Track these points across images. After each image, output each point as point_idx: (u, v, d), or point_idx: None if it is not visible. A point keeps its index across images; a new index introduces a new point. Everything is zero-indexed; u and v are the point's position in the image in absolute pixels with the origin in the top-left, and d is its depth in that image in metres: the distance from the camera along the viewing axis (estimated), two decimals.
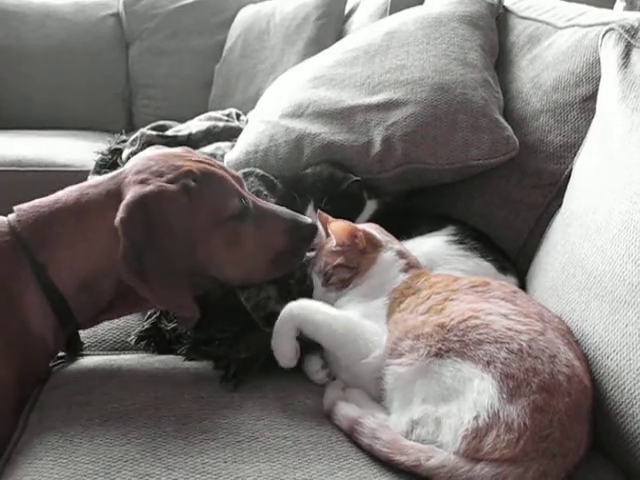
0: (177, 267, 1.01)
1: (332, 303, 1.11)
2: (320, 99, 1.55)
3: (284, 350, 1.04)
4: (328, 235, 1.18)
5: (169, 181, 1.04)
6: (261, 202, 1.15)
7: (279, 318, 1.04)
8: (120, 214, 0.99)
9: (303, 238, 1.15)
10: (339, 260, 1.13)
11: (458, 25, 1.56)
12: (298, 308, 1.05)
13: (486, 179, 1.44)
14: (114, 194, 1.05)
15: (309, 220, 1.16)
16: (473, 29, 1.56)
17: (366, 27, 1.95)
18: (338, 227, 1.14)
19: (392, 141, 1.43)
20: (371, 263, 1.13)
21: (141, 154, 1.15)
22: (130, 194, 1.02)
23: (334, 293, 1.13)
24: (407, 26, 1.62)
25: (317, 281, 1.16)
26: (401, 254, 1.14)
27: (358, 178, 1.42)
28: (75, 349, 1.18)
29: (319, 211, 1.22)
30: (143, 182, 1.04)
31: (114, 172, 1.11)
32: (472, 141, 1.39)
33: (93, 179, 1.13)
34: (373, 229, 1.17)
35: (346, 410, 0.98)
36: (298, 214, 1.17)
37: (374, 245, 1.14)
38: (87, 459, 0.87)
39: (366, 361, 1.01)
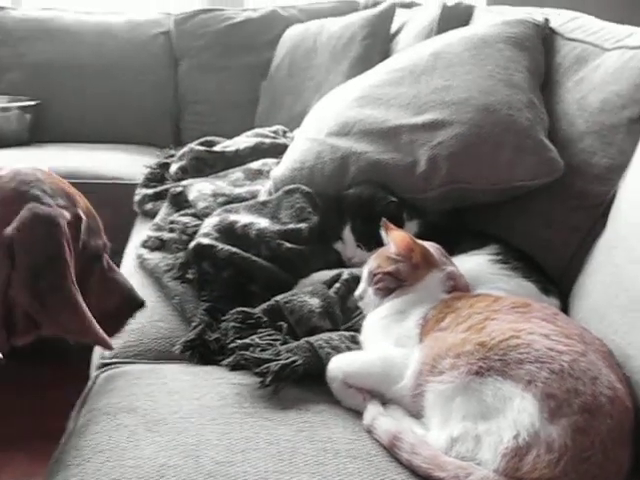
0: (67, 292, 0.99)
1: (372, 304, 1.16)
2: (366, 118, 1.58)
3: (350, 402, 1.07)
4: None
5: (65, 207, 1.03)
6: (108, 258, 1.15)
7: (328, 381, 1.08)
8: (21, 229, 0.96)
9: (132, 308, 1.15)
10: (390, 268, 1.15)
11: (504, 46, 1.58)
12: (336, 369, 1.08)
13: (530, 200, 1.44)
14: None
15: (142, 298, 1.16)
16: (519, 50, 1.57)
17: (412, 47, 1.97)
18: (398, 236, 1.17)
19: (437, 161, 1.44)
20: (419, 279, 1.14)
21: (24, 168, 1.07)
22: (31, 210, 0.98)
23: (377, 298, 1.15)
24: (453, 47, 1.64)
25: (365, 279, 1.19)
26: (451, 276, 1.16)
27: (395, 199, 1.44)
28: None
29: (383, 219, 1.23)
30: (37, 199, 1.00)
31: None
32: (516, 162, 1.39)
33: None
34: (433, 248, 1.18)
35: (386, 425, 0.99)
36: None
37: (428, 263, 1.15)
38: (132, 463, 0.90)
39: (399, 386, 1.03)
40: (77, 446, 0.98)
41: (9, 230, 0.96)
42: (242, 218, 1.43)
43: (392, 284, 1.16)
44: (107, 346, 1.05)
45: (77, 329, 1.01)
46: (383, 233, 1.24)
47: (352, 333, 1.18)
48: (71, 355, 2.62)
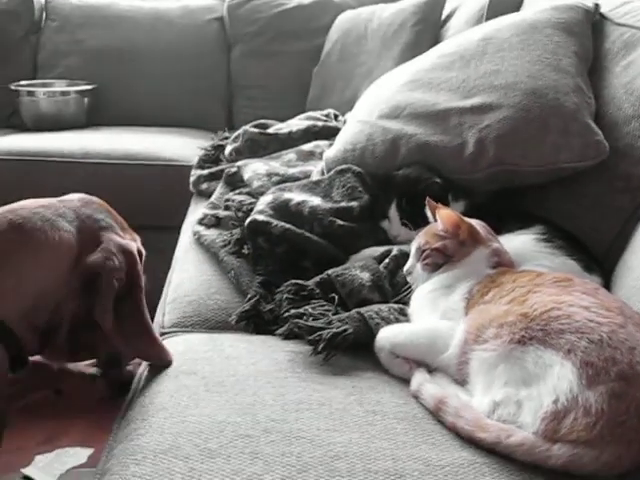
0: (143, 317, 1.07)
1: (419, 278, 1.21)
2: (416, 101, 1.62)
3: (397, 371, 1.13)
4: (435, 220, 1.25)
5: (132, 239, 1.13)
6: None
7: (376, 351, 1.14)
8: (109, 258, 1.03)
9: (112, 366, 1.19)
10: (438, 245, 1.20)
11: (553, 32, 1.60)
12: (383, 338, 1.14)
13: (576, 182, 1.48)
14: (72, 226, 1.06)
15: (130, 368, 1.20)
16: (567, 35, 1.60)
17: (462, 33, 2.00)
18: (446, 214, 1.21)
19: (485, 143, 1.48)
20: (465, 255, 1.19)
21: (89, 197, 1.17)
22: (114, 240, 1.06)
23: (425, 273, 1.21)
24: (502, 32, 1.67)
25: (414, 255, 1.24)
26: (497, 252, 1.20)
27: (439, 180, 1.48)
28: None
29: (428, 198, 1.28)
30: (111, 229, 1.09)
31: (62, 197, 1.15)
32: (563, 144, 1.43)
33: (43, 200, 1.12)
34: (479, 225, 1.23)
35: (432, 391, 1.04)
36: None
37: (475, 240, 1.20)
38: (194, 419, 0.96)
39: (445, 355, 1.08)
40: (141, 404, 1.05)
41: (96, 258, 1.03)
42: (296, 196, 1.50)
43: (440, 260, 1.21)
44: (168, 365, 1.12)
45: (150, 351, 1.11)
46: (428, 212, 1.29)
47: (401, 306, 1.23)
48: None
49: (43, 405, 2.25)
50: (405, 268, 1.26)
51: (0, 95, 3.10)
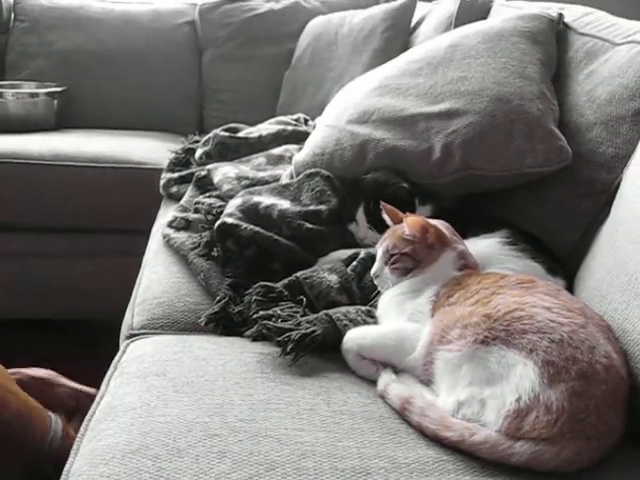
0: None
1: (387, 282, 1.22)
2: (385, 107, 1.64)
3: (364, 372, 1.15)
4: (397, 223, 1.27)
5: None
6: None
7: (343, 353, 1.16)
8: None
9: None
10: (407, 250, 1.21)
11: (518, 40, 1.64)
12: (350, 340, 1.16)
13: (539, 187, 1.51)
14: None
15: None
16: (532, 44, 1.63)
17: (430, 40, 2.03)
18: (412, 220, 1.22)
19: (451, 148, 1.51)
20: (434, 259, 1.21)
21: None
22: None
23: (393, 276, 1.22)
24: (469, 39, 1.70)
25: (380, 258, 1.25)
26: (462, 255, 1.22)
27: (406, 185, 1.50)
28: None
29: (382, 202, 1.30)
30: None
31: None
32: (527, 150, 1.46)
33: None
34: (444, 227, 1.25)
35: (398, 391, 1.06)
36: None
37: (442, 243, 1.22)
38: (163, 419, 0.97)
39: (412, 357, 1.10)
40: (110, 404, 1.06)
41: None
42: (265, 199, 1.51)
43: (409, 264, 1.22)
44: None
45: None
46: (385, 216, 1.30)
47: (368, 308, 1.25)
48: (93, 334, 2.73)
49: None
50: (372, 271, 1.27)
51: None
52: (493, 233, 1.41)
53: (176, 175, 2.09)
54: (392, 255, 1.23)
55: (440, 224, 1.26)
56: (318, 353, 1.17)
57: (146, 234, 1.96)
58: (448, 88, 1.59)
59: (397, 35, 2.72)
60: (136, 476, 0.86)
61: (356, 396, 1.08)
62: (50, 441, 1.32)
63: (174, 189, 2.04)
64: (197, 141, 2.27)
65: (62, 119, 3.09)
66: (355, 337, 1.16)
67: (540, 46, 1.64)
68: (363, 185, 1.54)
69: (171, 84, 3.26)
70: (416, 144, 1.55)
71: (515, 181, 1.50)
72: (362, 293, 1.31)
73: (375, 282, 1.27)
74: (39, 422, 1.33)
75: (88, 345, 2.58)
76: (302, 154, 1.72)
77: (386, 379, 1.10)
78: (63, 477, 0.95)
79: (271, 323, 1.17)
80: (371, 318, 1.23)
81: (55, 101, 3.08)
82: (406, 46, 2.64)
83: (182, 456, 0.89)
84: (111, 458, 0.91)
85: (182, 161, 2.18)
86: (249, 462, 0.89)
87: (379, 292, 1.27)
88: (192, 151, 2.20)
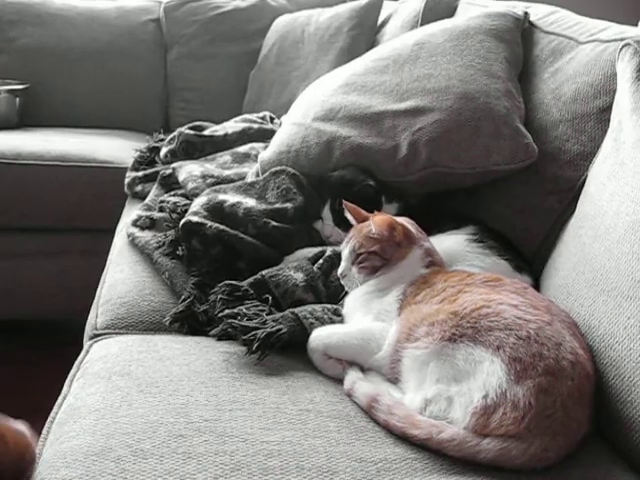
0: None
1: (355, 281, 1.21)
2: (351, 104, 1.64)
3: (330, 371, 1.14)
4: (360, 222, 1.26)
5: None
6: None
7: (309, 353, 1.15)
8: None
9: None
10: (375, 248, 1.21)
11: (484, 38, 1.64)
12: (316, 339, 1.15)
13: (506, 184, 1.51)
14: None
15: None
16: (498, 42, 1.64)
17: (396, 38, 2.03)
18: (379, 218, 1.22)
19: (418, 145, 1.51)
20: (402, 257, 1.20)
21: None
22: None
23: (360, 276, 1.21)
24: (436, 37, 1.70)
25: (347, 258, 1.24)
26: (428, 252, 1.22)
27: (372, 183, 1.50)
28: None
29: (344, 201, 1.29)
30: None
31: None
32: (493, 147, 1.46)
33: None
34: (410, 225, 1.24)
35: (365, 389, 1.05)
36: None
37: (409, 240, 1.21)
38: (127, 420, 0.96)
39: (378, 356, 1.10)
40: (73, 406, 1.04)
41: None
42: (230, 198, 1.50)
43: (377, 262, 1.21)
44: None
45: None
46: (348, 215, 1.30)
47: (335, 306, 1.24)
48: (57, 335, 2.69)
49: None
50: (339, 271, 1.26)
51: None
52: (460, 229, 1.42)
53: (141, 174, 2.06)
54: (359, 254, 1.22)
55: (406, 222, 1.25)
56: (284, 352, 1.16)
57: (111, 233, 1.93)
58: (414, 86, 1.59)
59: (363, 33, 2.72)
60: (99, 479, 0.84)
61: (322, 395, 1.07)
62: None
63: (139, 188, 2.02)
64: (162, 139, 2.25)
65: (25, 117, 3.04)
66: (321, 336, 1.15)
67: (506, 44, 1.64)
68: (329, 183, 1.54)
69: (136, 82, 3.23)
70: (382, 142, 1.55)
71: (481, 179, 1.50)
72: (328, 291, 1.30)
73: (342, 282, 1.26)
74: None
75: (52, 346, 2.55)
76: (268, 152, 1.70)
77: (352, 377, 1.09)
78: None
79: (236, 322, 1.15)
80: (337, 316, 1.22)
81: (17, 99, 3.03)
82: (372, 44, 2.64)
83: (146, 457, 0.88)
84: (73, 461, 0.89)
85: (147, 160, 2.16)
86: (214, 462, 0.87)
87: (346, 291, 1.26)
88: (157, 150, 2.18)
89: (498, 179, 1.51)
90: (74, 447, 0.92)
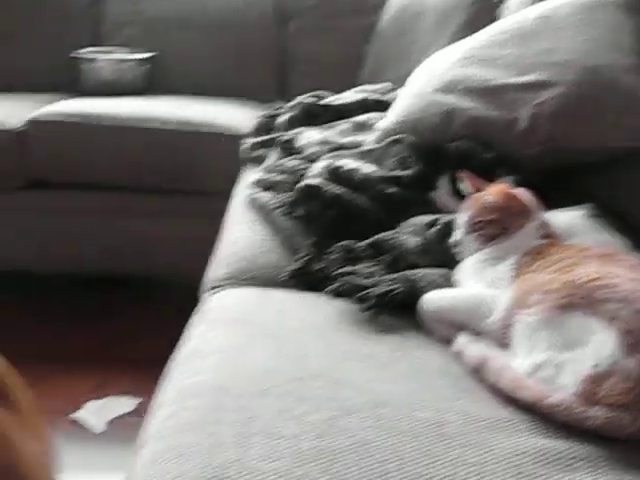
0: None
1: (469, 249, 1.22)
2: (471, 77, 1.65)
3: (440, 333, 1.16)
4: (476, 192, 1.27)
5: None
6: None
7: (420, 314, 1.18)
8: None
9: None
10: (492, 217, 1.22)
11: (612, 10, 1.61)
12: (428, 302, 1.18)
13: (628, 163, 1.49)
14: None
15: None
16: (627, 15, 1.60)
17: (518, 12, 2.01)
18: (498, 188, 1.23)
19: (538, 120, 1.50)
20: (518, 228, 1.21)
21: None
22: None
23: (475, 244, 1.23)
24: (560, 11, 1.68)
25: (462, 226, 1.26)
26: (544, 224, 1.23)
27: (489, 156, 1.51)
28: None
29: (465, 170, 1.31)
30: None
31: None
32: (617, 124, 1.44)
33: None
34: (527, 196, 1.25)
35: (474, 351, 1.08)
36: None
37: (526, 212, 1.22)
38: (246, 362, 1.02)
39: (489, 320, 1.11)
40: (195, 347, 1.11)
41: None
42: (348, 163, 1.54)
43: (494, 231, 1.23)
44: None
45: None
46: (464, 185, 1.31)
47: (447, 271, 1.26)
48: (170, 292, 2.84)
49: (93, 354, 2.37)
50: (453, 239, 1.28)
51: (63, 62, 3.17)
52: (577, 206, 1.41)
53: (260, 139, 2.13)
54: (475, 223, 1.24)
55: (524, 193, 1.26)
56: (395, 312, 1.20)
57: (227, 197, 2.01)
58: (536, 59, 1.58)
59: (484, 7, 2.68)
60: (221, 411, 0.91)
61: (432, 354, 1.10)
62: None
63: (258, 153, 2.09)
64: (281, 107, 2.31)
65: (150, 84, 3.18)
66: (433, 299, 1.18)
67: (635, 17, 1.61)
68: (446, 153, 1.56)
69: (255, 53, 3.30)
70: (502, 115, 1.55)
71: (602, 155, 1.49)
72: (441, 257, 1.32)
73: (456, 249, 1.28)
74: None
75: (162, 302, 2.70)
76: (386, 121, 1.74)
77: (463, 340, 1.11)
78: (151, 410, 1.01)
79: (352, 279, 1.20)
80: (449, 282, 1.24)
81: (144, 67, 3.17)
82: (493, 19, 2.60)
83: (265, 396, 0.94)
84: (198, 394, 0.96)
85: (266, 126, 2.23)
86: (329, 406, 0.92)
87: (459, 259, 1.28)
88: (276, 117, 2.24)
89: (620, 157, 1.49)
90: (198, 382, 0.99)
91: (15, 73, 3.23)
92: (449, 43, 2.27)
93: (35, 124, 2.68)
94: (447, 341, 1.14)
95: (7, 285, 2.80)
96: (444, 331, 1.16)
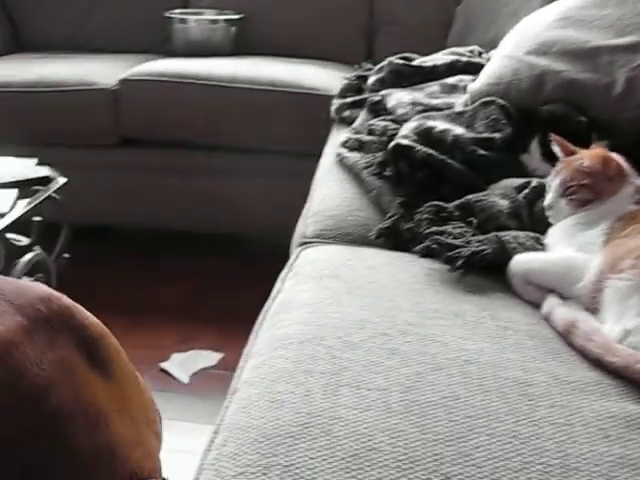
0: None
1: (561, 213, 1.21)
2: (566, 38, 1.61)
3: (528, 296, 1.16)
4: (568, 156, 1.26)
5: None
6: None
7: (509, 276, 1.17)
8: None
9: None
10: (587, 181, 1.20)
11: None
12: (518, 264, 1.17)
13: None
14: None
15: None
16: None
17: None
18: (593, 151, 1.22)
19: (635, 83, 1.46)
20: (613, 193, 1.19)
21: None
22: None
23: (568, 208, 1.22)
24: None
25: (555, 190, 1.25)
26: (638, 189, 1.21)
27: (583, 119, 1.48)
28: None
29: (553, 135, 1.29)
30: None
31: None
32: None
33: None
34: (622, 161, 1.23)
35: (563, 314, 1.07)
36: None
37: (622, 176, 1.20)
38: (336, 315, 1.04)
39: (579, 285, 1.10)
40: (286, 300, 1.14)
41: None
42: (439, 124, 1.53)
43: (588, 196, 1.20)
44: None
45: None
46: (556, 149, 1.29)
47: (537, 235, 1.25)
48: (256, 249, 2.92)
49: (181, 308, 2.45)
50: (546, 203, 1.27)
51: (155, 22, 3.24)
52: None
53: (348, 100, 2.14)
54: (569, 187, 1.23)
55: (619, 158, 1.24)
56: (483, 273, 1.20)
57: (313, 157, 2.03)
58: (638, 20, 1.54)
59: None
60: (312, 361, 0.93)
61: (520, 315, 1.10)
62: None
63: (346, 113, 2.10)
64: (369, 69, 2.31)
65: (238, 45, 3.21)
66: (523, 261, 1.18)
67: None
68: (539, 116, 1.54)
69: (342, 15, 3.29)
70: (597, 77, 1.52)
71: None
72: (532, 220, 1.31)
73: (547, 213, 1.27)
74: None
75: (247, 259, 2.77)
76: (478, 83, 1.72)
77: (551, 302, 1.11)
78: (243, 358, 1.04)
79: (442, 238, 1.20)
80: (540, 245, 1.23)
81: (232, 28, 3.20)
82: None
83: (355, 349, 0.96)
84: (289, 344, 0.99)
85: (354, 87, 2.23)
86: (417, 361, 0.94)
87: (549, 222, 1.27)
88: (364, 78, 2.24)
89: None
90: (289, 333, 1.02)
91: (109, 34, 3.32)
92: (541, 7, 2.22)
93: (127, 83, 2.75)
94: (535, 303, 1.14)
95: (97, 239, 2.91)
96: (532, 293, 1.16)
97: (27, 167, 2.01)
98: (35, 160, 2.06)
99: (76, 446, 0.88)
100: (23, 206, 1.82)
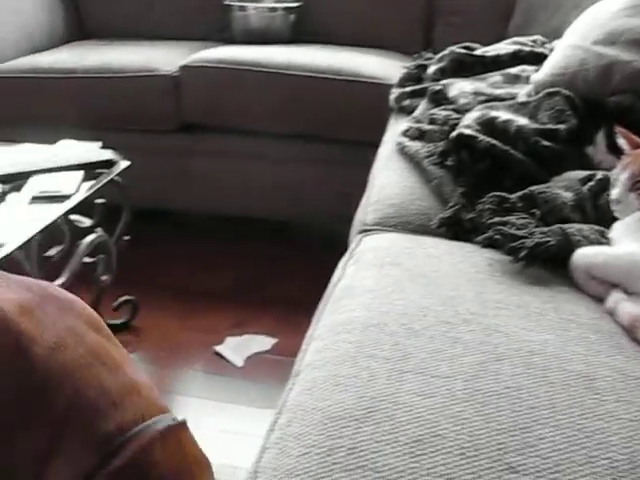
0: None
1: (630, 208, 1.19)
2: (634, 27, 1.58)
3: (591, 290, 1.14)
4: (634, 148, 1.24)
5: None
6: None
7: (572, 269, 1.16)
8: None
9: None
10: None
11: None
12: (581, 257, 1.16)
13: None
14: None
15: None
16: None
17: None
18: None
19: None
20: None
21: None
22: None
23: (635, 203, 1.19)
24: None
25: (624, 184, 1.23)
26: None
27: None
28: None
29: (618, 127, 1.27)
30: None
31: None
32: None
33: None
34: None
35: (629, 309, 1.06)
36: None
37: None
38: (398, 302, 1.05)
39: None
40: (348, 286, 1.15)
41: None
42: (502, 115, 1.52)
43: None
44: None
45: None
46: (621, 141, 1.27)
47: (602, 228, 1.23)
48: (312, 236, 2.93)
49: (236, 293, 2.48)
50: (613, 197, 1.24)
51: (214, 10, 3.27)
52: None
53: (408, 89, 2.13)
54: (637, 182, 1.20)
55: None
56: (546, 265, 1.19)
57: (371, 146, 2.03)
58: None
59: None
60: (375, 346, 0.94)
61: (584, 309, 1.09)
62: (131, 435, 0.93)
63: (406, 102, 2.09)
64: (430, 58, 2.30)
65: (296, 33, 3.22)
66: (587, 255, 1.16)
67: None
68: (605, 108, 1.51)
69: (401, 4, 3.27)
70: None
71: None
72: (596, 213, 1.30)
73: (614, 208, 1.24)
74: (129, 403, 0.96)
75: (302, 246, 2.78)
76: (542, 73, 1.70)
77: (616, 297, 1.10)
78: (305, 341, 1.05)
79: (505, 229, 1.20)
80: (604, 239, 1.21)
81: (291, 16, 3.21)
82: None
83: (418, 336, 0.96)
84: (352, 329, 0.99)
85: (414, 77, 2.22)
86: (480, 350, 0.94)
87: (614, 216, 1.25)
88: (424, 68, 2.23)
89: None
90: (352, 318, 1.03)
91: (169, 22, 3.36)
92: None
93: (187, 70, 2.78)
94: (598, 297, 1.13)
95: (156, 223, 2.96)
96: (596, 287, 1.15)
97: (91, 150, 2.05)
98: (99, 144, 2.11)
99: (103, 385, 0.95)
100: (87, 188, 1.86)
